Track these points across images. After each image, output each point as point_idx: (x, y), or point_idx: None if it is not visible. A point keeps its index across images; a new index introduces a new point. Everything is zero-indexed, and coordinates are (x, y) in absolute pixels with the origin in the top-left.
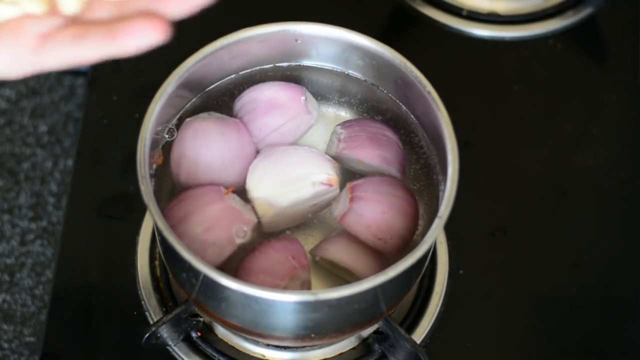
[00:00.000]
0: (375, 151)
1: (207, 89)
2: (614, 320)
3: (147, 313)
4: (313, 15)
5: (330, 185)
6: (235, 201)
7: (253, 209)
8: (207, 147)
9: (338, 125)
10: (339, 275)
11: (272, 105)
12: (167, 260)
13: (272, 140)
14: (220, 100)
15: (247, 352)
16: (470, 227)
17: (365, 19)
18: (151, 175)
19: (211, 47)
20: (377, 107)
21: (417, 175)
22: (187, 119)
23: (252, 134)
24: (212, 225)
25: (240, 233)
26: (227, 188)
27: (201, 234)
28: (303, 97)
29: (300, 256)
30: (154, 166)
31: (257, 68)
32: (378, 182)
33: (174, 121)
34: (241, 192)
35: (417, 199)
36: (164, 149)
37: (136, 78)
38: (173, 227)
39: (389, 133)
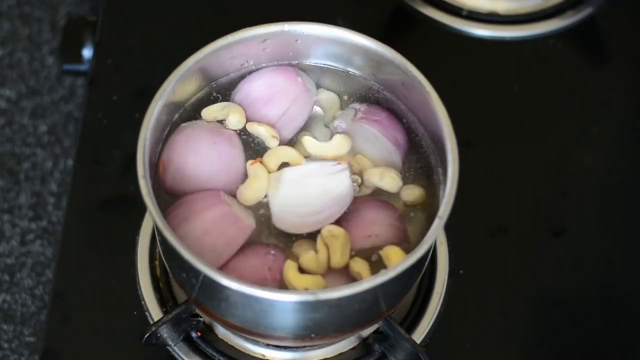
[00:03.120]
0: (392, 131)
1: (206, 89)
2: (614, 320)
3: (147, 313)
4: (313, 15)
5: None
6: (234, 206)
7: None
8: (196, 155)
9: (353, 104)
10: None
11: (271, 92)
12: (167, 260)
13: (281, 126)
14: (219, 100)
15: (247, 352)
16: (470, 227)
17: (365, 19)
18: (152, 180)
19: (211, 47)
20: (377, 106)
21: (417, 175)
22: (182, 124)
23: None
24: (210, 229)
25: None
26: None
27: (199, 238)
28: (299, 77)
29: (275, 270)
30: (157, 172)
31: (257, 67)
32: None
33: (172, 121)
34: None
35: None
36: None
37: (136, 78)
38: (172, 230)
39: (401, 125)
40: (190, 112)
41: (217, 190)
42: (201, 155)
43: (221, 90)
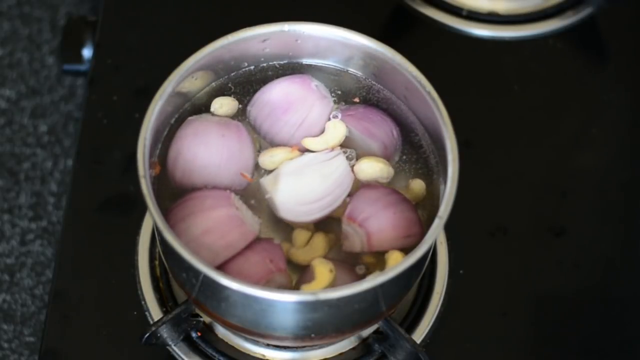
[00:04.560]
0: (363, 122)
1: (206, 89)
2: (614, 320)
3: (147, 313)
4: (313, 15)
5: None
6: (242, 210)
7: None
8: (205, 148)
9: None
10: None
11: (288, 101)
12: (167, 260)
13: (302, 134)
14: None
15: (247, 352)
16: (470, 227)
17: (365, 19)
18: (152, 179)
19: (211, 46)
20: (377, 106)
21: (417, 175)
22: (190, 118)
23: (279, 134)
24: (212, 229)
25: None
26: (233, 192)
27: (199, 236)
28: (314, 84)
29: (277, 260)
30: (152, 174)
31: (257, 67)
32: (368, 195)
33: (172, 121)
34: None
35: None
36: (160, 157)
37: (136, 78)
38: (174, 224)
39: (388, 120)
40: (191, 112)
41: (229, 192)
42: (210, 148)
43: (221, 89)
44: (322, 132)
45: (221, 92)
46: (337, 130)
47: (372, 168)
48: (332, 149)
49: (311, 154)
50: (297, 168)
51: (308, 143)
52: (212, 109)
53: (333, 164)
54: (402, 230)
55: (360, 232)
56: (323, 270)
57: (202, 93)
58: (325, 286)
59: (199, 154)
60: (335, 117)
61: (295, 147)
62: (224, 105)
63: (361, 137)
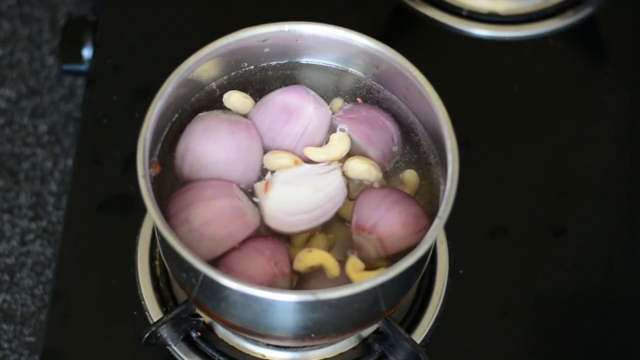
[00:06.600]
0: (364, 129)
1: (207, 89)
2: (614, 320)
3: (147, 313)
4: (313, 15)
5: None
6: (244, 201)
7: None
8: (214, 144)
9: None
10: None
11: (288, 113)
12: (167, 260)
13: (304, 144)
14: (220, 99)
15: (247, 352)
16: (470, 227)
17: (365, 19)
18: (151, 184)
19: (211, 47)
20: (365, 105)
21: (417, 175)
22: (200, 114)
23: (282, 147)
24: (213, 219)
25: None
26: (239, 185)
27: (200, 226)
28: (310, 95)
29: (282, 264)
30: (152, 174)
31: (257, 67)
32: (372, 197)
33: (172, 120)
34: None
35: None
36: (160, 157)
37: (136, 78)
38: (174, 214)
39: (390, 126)
40: (191, 112)
41: (231, 182)
42: (219, 144)
43: (221, 89)
44: (323, 141)
45: (221, 91)
46: (340, 144)
47: (360, 168)
48: (330, 162)
49: (308, 165)
50: (291, 177)
51: (309, 152)
52: (224, 100)
53: (328, 177)
54: (411, 226)
55: (371, 239)
56: (327, 258)
57: (202, 93)
58: (335, 269)
59: (207, 150)
60: (342, 130)
61: (300, 160)
62: (239, 100)
63: (360, 143)
